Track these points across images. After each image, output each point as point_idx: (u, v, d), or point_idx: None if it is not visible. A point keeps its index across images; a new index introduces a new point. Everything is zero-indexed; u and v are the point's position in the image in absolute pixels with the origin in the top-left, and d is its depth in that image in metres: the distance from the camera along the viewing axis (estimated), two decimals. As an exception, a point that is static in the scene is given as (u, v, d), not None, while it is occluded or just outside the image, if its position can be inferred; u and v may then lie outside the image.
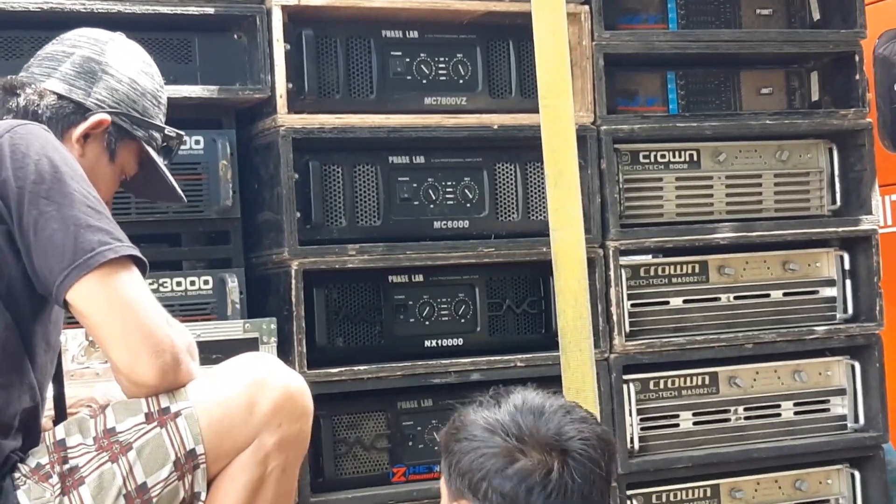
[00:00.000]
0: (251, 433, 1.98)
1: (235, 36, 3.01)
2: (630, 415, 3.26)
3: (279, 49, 2.97)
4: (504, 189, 3.24)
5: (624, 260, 3.29)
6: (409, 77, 3.14)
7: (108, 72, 2.23)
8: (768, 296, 3.48)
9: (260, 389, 1.99)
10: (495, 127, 3.17)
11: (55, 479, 1.89)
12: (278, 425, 2.00)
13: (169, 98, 2.86)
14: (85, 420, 1.97)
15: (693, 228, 3.38)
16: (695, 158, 3.44)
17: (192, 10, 2.91)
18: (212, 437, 1.96)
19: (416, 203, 3.15)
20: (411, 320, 3.14)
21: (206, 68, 2.97)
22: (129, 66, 2.26)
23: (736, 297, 3.45)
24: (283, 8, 2.97)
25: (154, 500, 1.93)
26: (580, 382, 2.25)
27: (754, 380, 3.44)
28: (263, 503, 2.01)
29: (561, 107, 2.29)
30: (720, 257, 3.43)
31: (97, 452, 1.92)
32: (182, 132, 2.32)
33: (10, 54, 2.79)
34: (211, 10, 2.93)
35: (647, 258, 3.41)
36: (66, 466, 1.90)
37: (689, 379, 3.37)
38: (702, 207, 3.44)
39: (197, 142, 2.96)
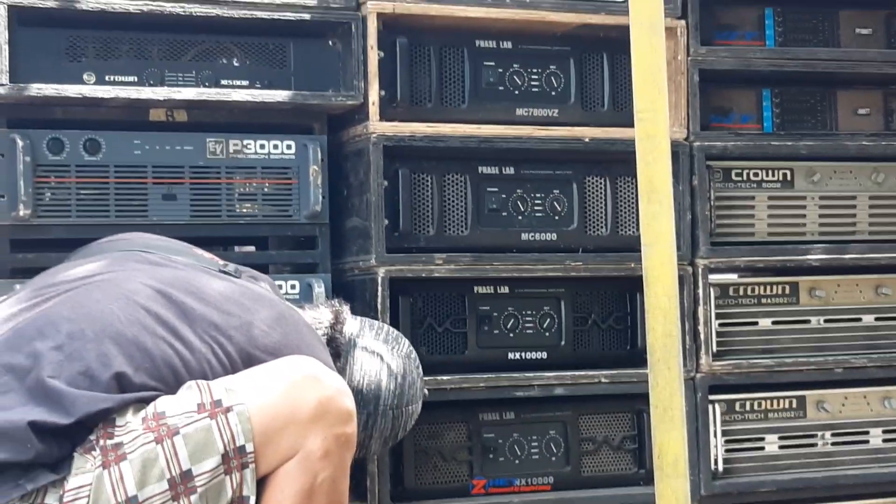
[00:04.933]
0: (297, 435, 1.96)
1: (330, 42, 3.01)
2: (714, 436, 3.21)
3: (373, 56, 2.97)
4: (593, 203, 3.21)
5: (713, 278, 3.25)
6: (501, 87, 3.13)
7: (373, 423, 2.47)
8: (860, 320, 3.42)
9: (305, 389, 1.98)
10: (587, 140, 3.15)
11: (97, 451, 1.88)
12: (323, 427, 1.97)
13: (262, 103, 2.90)
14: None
15: (785, 249, 3.33)
16: (788, 178, 3.39)
17: (289, 16, 2.92)
18: (260, 436, 1.93)
19: (504, 214, 3.13)
20: (495, 332, 3.13)
21: (300, 74, 2.98)
22: (391, 430, 2.52)
23: (826, 321, 3.39)
24: (378, 15, 2.97)
25: (199, 490, 1.90)
26: (668, 401, 2.22)
27: (843, 405, 3.38)
28: None
29: (656, 120, 2.25)
30: (811, 279, 3.37)
31: (143, 432, 1.89)
32: None
33: (108, 55, 2.82)
34: (307, 17, 2.93)
35: (736, 277, 3.37)
36: (111, 442, 1.88)
37: (775, 402, 3.32)
38: (794, 228, 3.38)
39: (289, 147, 2.97)
